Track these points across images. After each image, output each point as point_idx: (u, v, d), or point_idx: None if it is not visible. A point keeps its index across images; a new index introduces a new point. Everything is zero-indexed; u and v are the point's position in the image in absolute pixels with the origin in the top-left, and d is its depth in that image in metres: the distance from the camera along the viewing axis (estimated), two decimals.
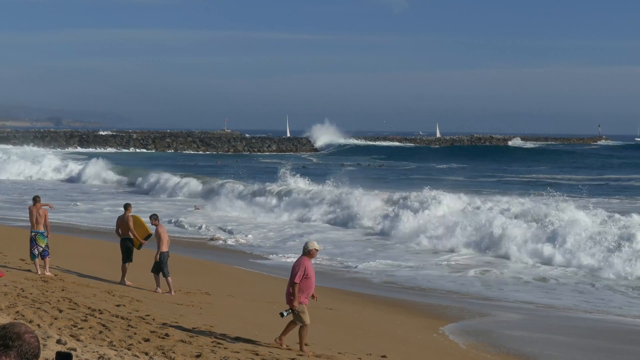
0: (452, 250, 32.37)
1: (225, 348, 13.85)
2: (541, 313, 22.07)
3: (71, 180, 70.94)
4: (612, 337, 19.50)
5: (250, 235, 35.98)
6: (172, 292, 20.68)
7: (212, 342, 14.29)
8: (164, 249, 20.97)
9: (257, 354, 13.70)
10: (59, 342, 11.71)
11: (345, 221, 40.94)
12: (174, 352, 12.87)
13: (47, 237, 21.96)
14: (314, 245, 15.08)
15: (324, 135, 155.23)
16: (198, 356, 12.89)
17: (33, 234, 21.92)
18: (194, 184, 58.11)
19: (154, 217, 21.60)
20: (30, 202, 22.91)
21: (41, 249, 21.76)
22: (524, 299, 23.86)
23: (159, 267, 21.02)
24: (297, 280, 14.72)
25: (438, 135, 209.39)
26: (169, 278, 20.79)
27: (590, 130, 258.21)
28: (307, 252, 14.91)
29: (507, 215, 35.38)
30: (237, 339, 14.82)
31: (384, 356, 15.24)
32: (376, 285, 25.93)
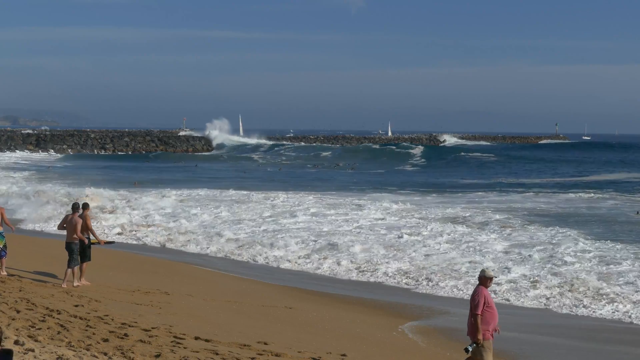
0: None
1: (184, 348, 13.80)
2: (505, 311, 22.25)
3: None
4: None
5: None
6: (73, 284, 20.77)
7: (172, 341, 14.23)
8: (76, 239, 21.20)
9: (217, 354, 13.67)
10: (16, 342, 11.59)
11: None
12: (133, 352, 12.80)
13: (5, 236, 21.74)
14: (490, 273, 14.24)
15: (218, 135, 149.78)
16: (157, 356, 12.83)
17: None
18: None
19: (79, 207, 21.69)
20: None
21: None
22: None
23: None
24: (478, 311, 13.87)
25: (390, 134, 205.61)
26: (76, 269, 20.92)
27: (550, 129, 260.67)
28: (483, 281, 14.09)
29: None
30: (197, 339, 14.77)
31: (343, 355, 15.29)
32: (335, 283, 26.01)
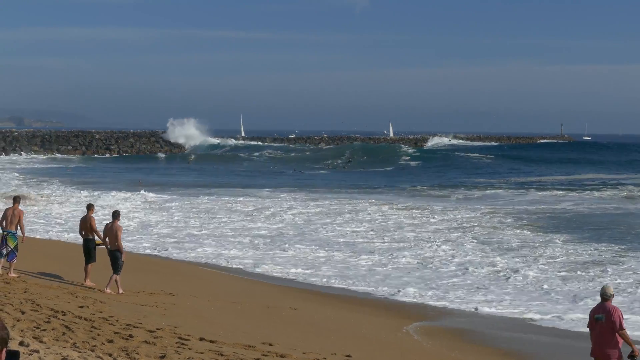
0: None
1: (189, 349, 13.78)
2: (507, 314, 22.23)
3: None
4: None
5: None
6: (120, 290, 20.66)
7: (177, 342, 14.21)
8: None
9: (222, 354, 13.65)
10: (21, 344, 11.58)
11: None
12: (137, 353, 12.77)
13: (17, 238, 21.73)
14: (612, 290, 14.05)
15: (186, 135, 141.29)
16: (162, 357, 12.81)
17: (5, 233, 21.68)
18: None
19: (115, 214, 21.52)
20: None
21: (9, 249, 21.50)
22: None
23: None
24: (624, 327, 13.63)
25: (392, 135, 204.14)
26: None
27: (556, 129, 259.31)
28: (607, 298, 13.82)
29: None
30: (202, 340, 14.75)
31: (348, 356, 15.25)
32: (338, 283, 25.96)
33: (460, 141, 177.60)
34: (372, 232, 37.71)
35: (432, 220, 41.98)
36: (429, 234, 36.64)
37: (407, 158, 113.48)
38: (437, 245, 33.29)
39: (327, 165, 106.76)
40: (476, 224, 39.80)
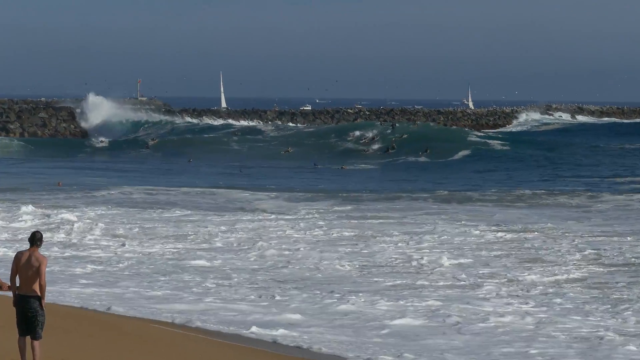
0: None
1: None
2: None
3: None
4: None
5: None
6: None
7: None
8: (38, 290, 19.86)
9: None
10: None
11: None
12: None
13: None
14: None
15: (97, 111, 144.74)
16: None
17: None
18: None
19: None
20: None
21: None
22: None
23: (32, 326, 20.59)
24: None
25: (471, 106, 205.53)
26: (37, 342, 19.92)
27: None
28: None
29: None
30: None
31: None
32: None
33: (586, 118, 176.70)
34: (449, 274, 38.48)
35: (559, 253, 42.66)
36: (545, 275, 37.37)
37: (481, 135, 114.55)
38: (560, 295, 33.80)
39: (364, 146, 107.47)
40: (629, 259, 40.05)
